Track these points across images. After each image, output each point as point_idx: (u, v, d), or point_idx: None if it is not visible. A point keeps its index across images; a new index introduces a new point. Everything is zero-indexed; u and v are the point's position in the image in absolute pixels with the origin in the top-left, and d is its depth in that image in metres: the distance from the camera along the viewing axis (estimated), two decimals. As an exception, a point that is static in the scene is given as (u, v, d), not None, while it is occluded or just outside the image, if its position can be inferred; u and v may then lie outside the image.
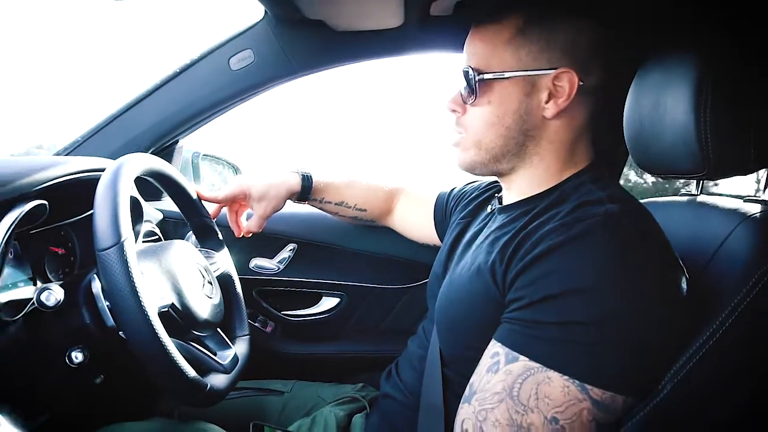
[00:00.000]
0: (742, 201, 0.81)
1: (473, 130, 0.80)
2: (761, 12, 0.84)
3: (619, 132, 0.88)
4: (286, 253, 1.40)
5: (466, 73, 0.78)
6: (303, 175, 1.17)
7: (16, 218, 0.77)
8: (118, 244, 0.71)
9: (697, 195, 0.93)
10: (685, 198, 0.92)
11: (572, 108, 0.76)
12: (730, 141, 0.74)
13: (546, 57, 0.74)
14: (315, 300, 1.42)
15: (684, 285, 0.66)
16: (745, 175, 0.81)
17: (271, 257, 1.40)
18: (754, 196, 0.82)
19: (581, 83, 0.74)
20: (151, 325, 0.70)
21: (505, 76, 0.75)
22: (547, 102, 0.76)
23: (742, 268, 0.70)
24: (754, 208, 0.76)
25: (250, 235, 1.16)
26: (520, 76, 0.75)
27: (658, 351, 0.63)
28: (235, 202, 1.15)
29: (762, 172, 0.82)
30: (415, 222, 1.25)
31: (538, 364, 0.62)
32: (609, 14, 0.82)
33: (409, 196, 1.27)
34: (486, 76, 0.76)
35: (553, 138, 0.78)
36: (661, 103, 0.78)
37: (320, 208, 1.24)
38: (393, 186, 1.29)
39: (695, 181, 0.96)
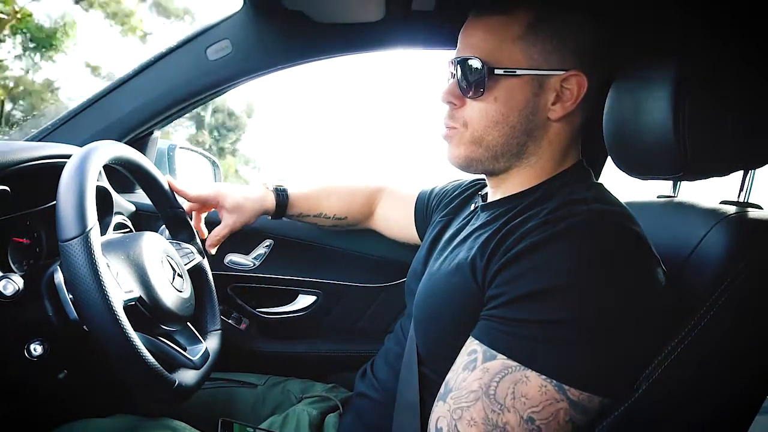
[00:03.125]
0: (718, 203, 0.82)
1: (474, 125, 0.77)
2: (740, 15, 0.84)
3: (600, 132, 0.89)
4: (261, 249, 1.37)
5: (470, 65, 0.75)
6: (278, 192, 1.15)
7: None
8: (83, 234, 0.68)
9: (674, 196, 0.93)
10: (662, 200, 0.92)
11: (575, 110, 0.76)
12: (708, 143, 0.74)
13: (557, 57, 0.74)
14: (291, 297, 1.40)
15: (663, 286, 0.66)
16: (722, 176, 0.82)
17: (247, 253, 1.37)
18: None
19: (588, 86, 0.74)
20: (117, 319, 0.68)
21: (516, 73, 0.73)
22: (553, 104, 0.75)
23: (718, 268, 0.70)
24: (730, 210, 0.77)
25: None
26: (531, 74, 0.74)
27: (636, 352, 0.63)
28: (205, 205, 1.12)
29: (739, 174, 0.82)
30: (396, 221, 1.23)
31: (515, 363, 0.61)
32: (617, 14, 0.82)
33: (390, 195, 1.26)
34: (497, 71, 0.74)
35: (553, 139, 0.77)
36: (640, 105, 0.78)
37: (298, 221, 1.24)
38: (373, 187, 1.27)
39: (672, 183, 0.97)
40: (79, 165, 0.74)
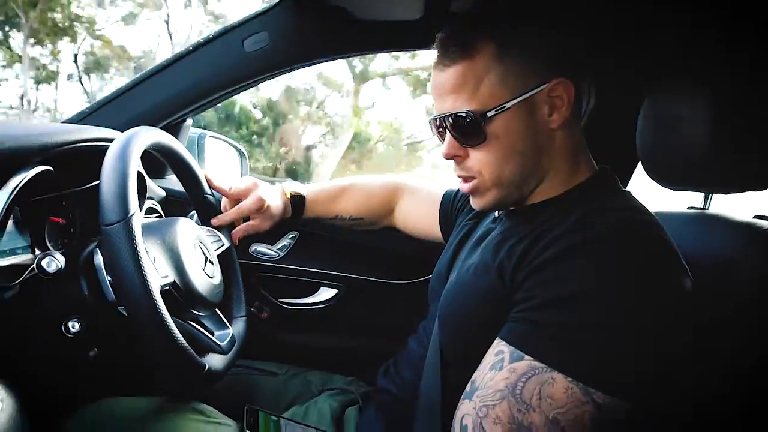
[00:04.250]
0: (751, 217, 0.81)
1: (489, 169, 0.77)
2: None
3: (630, 141, 0.88)
4: (286, 240, 1.39)
5: (460, 118, 0.74)
6: (294, 200, 1.19)
7: (20, 182, 0.76)
8: (126, 219, 0.70)
9: (706, 209, 0.93)
10: (693, 211, 0.92)
11: (572, 113, 0.76)
12: (743, 157, 0.74)
13: (534, 74, 0.73)
14: (312, 289, 1.41)
15: (692, 296, 0.66)
16: (758, 191, 0.81)
17: (272, 243, 1.38)
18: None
19: (576, 88, 0.74)
20: (155, 305, 0.69)
21: (506, 107, 0.73)
22: (550, 115, 0.75)
23: (751, 283, 0.70)
24: (765, 224, 0.76)
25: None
26: (518, 101, 0.73)
27: (662, 360, 0.63)
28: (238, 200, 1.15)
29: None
30: (419, 219, 1.24)
31: (542, 364, 0.62)
32: (574, 20, 0.81)
33: (411, 193, 1.26)
34: (489, 114, 0.73)
35: (561, 147, 0.78)
36: (676, 116, 0.77)
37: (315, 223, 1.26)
38: (391, 185, 1.28)
39: (704, 195, 0.96)
40: (122, 150, 0.76)
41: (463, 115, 0.74)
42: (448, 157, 0.79)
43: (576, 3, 0.88)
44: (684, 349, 0.64)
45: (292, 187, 1.21)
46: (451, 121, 0.75)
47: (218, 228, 1.09)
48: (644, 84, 0.86)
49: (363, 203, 1.25)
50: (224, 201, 1.13)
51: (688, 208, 0.96)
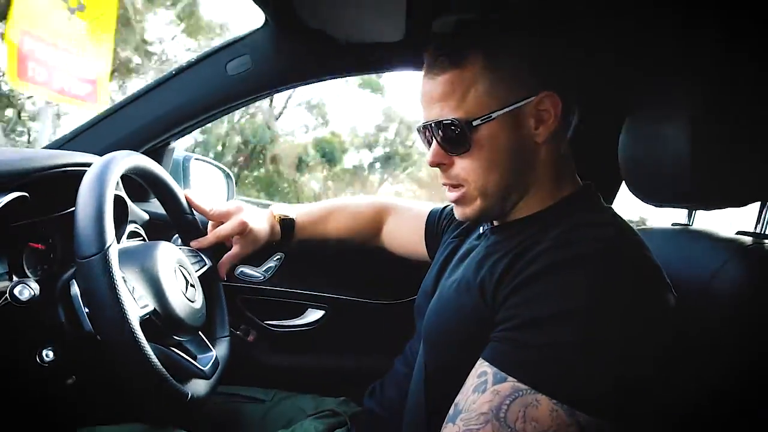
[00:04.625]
0: (733, 233, 0.82)
1: (473, 179, 0.77)
2: (758, 46, 0.85)
3: (613, 157, 0.89)
4: (272, 262, 1.38)
5: (446, 126, 0.75)
6: (283, 222, 1.19)
7: None
8: (101, 252, 0.68)
9: (689, 225, 0.93)
10: (677, 228, 0.92)
11: (558, 128, 0.76)
12: (724, 173, 0.75)
13: (521, 86, 0.74)
14: (299, 311, 1.40)
15: (675, 313, 0.65)
16: (738, 207, 0.82)
17: (258, 265, 1.37)
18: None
19: (564, 102, 0.74)
20: (134, 337, 0.68)
21: (492, 117, 0.73)
22: (536, 128, 0.75)
23: (733, 299, 0.70)
24: (747, 240, 0.76)
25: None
26: (505, 112, 0.74)
27: (646, 377, 0.62)
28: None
29: (757, 205, 0.82)
30: (405, 238, 1.23)
31: (526, 386, 0.61)
32: (571, 34, 0.82)
33: (398, 212, 1.26)
34: (475, 123, 0.73)
35: (546, 161, 0.78)
36: (657, 134, 0.78)
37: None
38: (379, 205, 1.28)
39: (687, 211, 0.96)
40: (98, 178, 0.75)
41: (449, 122, 0.74)
42: (433, 164, 0.80)
43: (562, 17, 0.89)
44: (667, 366, 0.64)
45: (281, 209, 1.21)
46: (437, 128, 0.76)
47: (200, 249, 1.08)
48: (626, 101, 0.86)
49: (351, 224, 1.25)
50: (210, 223, 1.13)
51: (672, 224, 0.97)
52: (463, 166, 0.77)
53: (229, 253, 1.13)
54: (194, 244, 1.08)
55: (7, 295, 0.75)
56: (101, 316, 0.68)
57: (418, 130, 0.81)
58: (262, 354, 1.38)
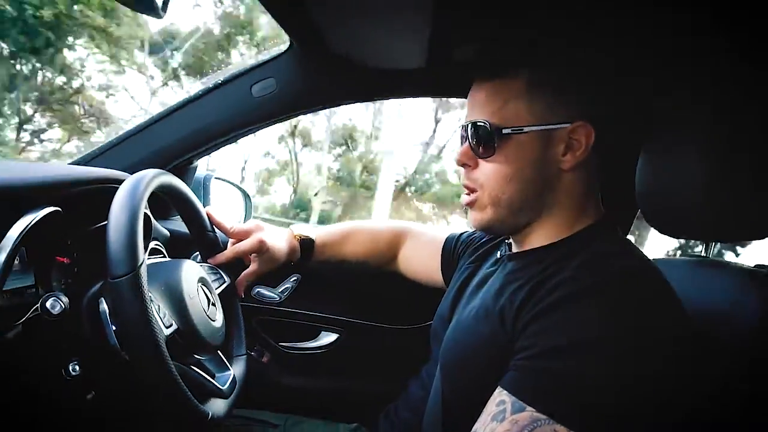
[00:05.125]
0: (751, 267, 0.82)
1: (490, 185, 0.79)
2: None
3: (630, 188, 0.89)
4: (288, 283, 1.39)
5: (480, 127, 0.78)
6: (303, 242, 1.19)
7: (30, 223, 0.77)
8: (133, 272, 0.70)
9: (706, 257, 0.93)
10: (694, 259, 0.92)
11: (587, 159, 0.77)
12: (742, 206, 0.75)
13: (561, 110, 0.76)
14: (313, 333, 1.40)
15: (694, 343, 0.65)
16: (757, 240, 0.82)
17: (274, 286, 1.38)
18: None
19: (596, 135, 0.76)
20: (161, 357, 0.69)
21: (524, 130, 0.76)
22: (564, 155, 0.76)
23: (753, 332, 0.69)
24: (764, 273, 0.76)
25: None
26: (537, 130, 0.76)
27: (665, 409, 0.62)
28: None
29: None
30: (421, 264, 1.24)
31: (545, 416, 0.61)
32: (616, 66, 0.84)
33: (414, 238, 1.27)
34: (505, 131, 0.76)
35: (568, 189, 0.78)
36: (674, 165, 0.79)
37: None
38: (397, 230, 1.28)
39: (704, 243, 0.96)
40: (131, 195, 0.76)
41: (481, 123, 0.77)
42: (459, 163, 0.83)
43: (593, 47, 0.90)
44: (686, 396, 0.63)
45: (301, 229, 1.21)
46: (471, 128, 0.79)
47: (220, 266, 1.09)
48: (642, 132, 0.87)
49: (370, 246, 1.25)
50: (230, 241, 1.13)
51: (690, 256, 0.96)
52: (485, 170, 0.79)
53: (246, 270, 1.14)
54: (212, 260, 1.09)
55: (39, 308, 0.76)
56: (131, 335, 0.69)
57: (459, 129, 0.84)
58: (275, 376, 1.37)
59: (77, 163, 1.27)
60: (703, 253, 0.94)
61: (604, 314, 0.63)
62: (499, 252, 0.93)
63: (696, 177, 0.76)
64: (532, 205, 0.79)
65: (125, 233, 0.72)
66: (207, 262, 1.09)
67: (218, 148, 1.33)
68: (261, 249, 1.11)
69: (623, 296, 0.64)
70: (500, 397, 0.66)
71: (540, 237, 0.80)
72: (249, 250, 1.11)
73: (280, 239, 1.15)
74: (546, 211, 0.79)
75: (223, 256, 1.10)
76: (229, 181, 1.70)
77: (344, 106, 1.26)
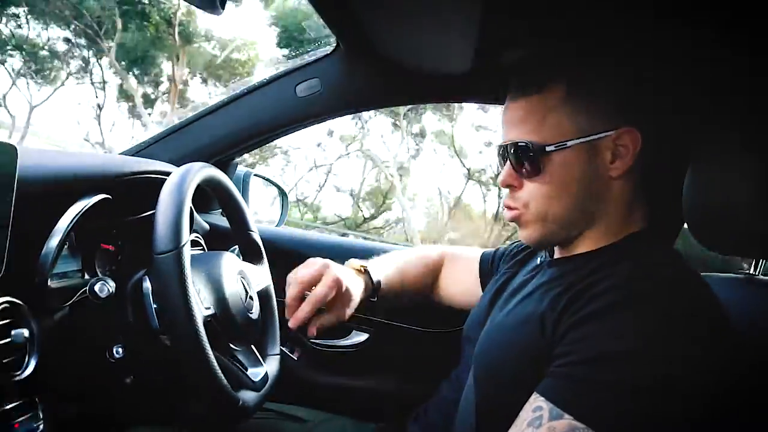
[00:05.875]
0: None
1: (535, 204, 0.77)
2: None
3: (677, 199, 0.87)
4: None
5: (520, 148, 0.76)
6: (372, 282, 1.03)
7: (83, 208, 0.80)
8: (177, 249, 0.73)
9: (756, 275, 0.90)
10: (741, 276, 0.89)
11: (635, 165, 0.76)
12: None
13: (602, 119, 0.74)
14: (345, 332, 1.41)
15: (741, 359, 0.63)
16: None
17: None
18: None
19: (644, 139, 0.74)
20: (197, 333, 0.71)
21: (567, 145, 0.74)
22: (612, 162, 0.75)
23: None
24: None
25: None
26: (581, 142, 0.74)
27: (705, 423, 0.60)
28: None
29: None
30: (461, 285, 1.19)
31: (583, 425, 0.60)
32: (650, 71, 0.81)
33: (451, 261, 1.23)
34: (548, 148, 0.74)
35: (617, 197, 0.77)
36: (724, 177, 0.76)
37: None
38: (437, 257, 1.23)
39: (753, 262, 0.93)
40: (180, 182, 0.79)
41: (524, 145, 0.75)
42: (503, 185, 0.80)
43: (637, 51, 0.89)
44: (730, 413, 0.61)
45: (357, 263, 1.04)
46: (511, 149, 0.77)
47: (258, 262, 1.10)
48: (693, 142, 0.85)
49: (422, 281, 1.18)
50: (291, 290, 0.90)
51: (737, 272, 0.93)
52: (530, 190, 0.77)
53: (324, 318, 0.92)
54: (292, 323, 0.88)
55: (87, 291, 0.79)
56: (170, 310, 0.71)
57: (498, 151, 0.82)
58: (306, 372, 1.39)
59: (126, 153, 1.31)
60: (752, 270, 0.91)
61: (646, 325, 0.62)
62: (539, 258, 0.91)
63: (747, 190, 0.73)
64: (582, 217, 0.77)
65: (172, 213, 0.75)
66: (250, 260, 1.09)
67: (260, 146, 1.36)
68: (339, 288, 0.91)
69: (670, 307, 0.63)
70: (537, 402, 0.65)
71: (585, 244, 0.79)
72: (327, 295, 0.89)
73: (353, 279, 0.98)
74: (595, 222, 0.78)
75: (301, 313, 0.87)
76: (267, 179, 1.73)
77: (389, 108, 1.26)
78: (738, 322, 0.68)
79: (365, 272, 1.02)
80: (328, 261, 0.93)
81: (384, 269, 1.08)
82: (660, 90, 0.88)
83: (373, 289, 1.02)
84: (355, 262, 1.03)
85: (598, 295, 0.67)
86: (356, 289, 0.96)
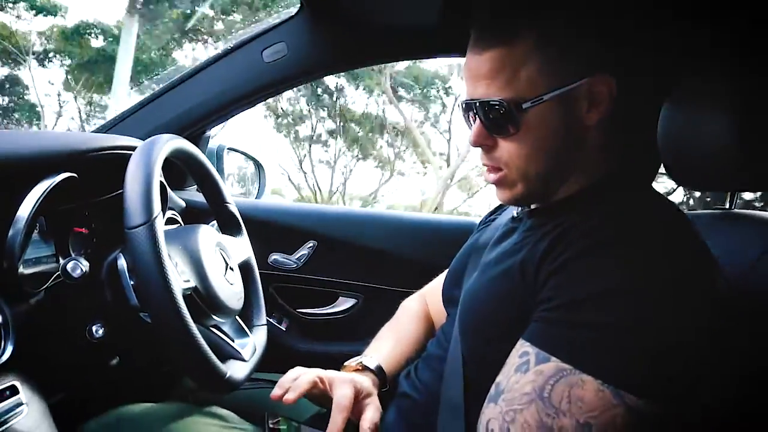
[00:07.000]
0: None
1: (516, 163, 0.74)
2: None
3: (654, 141, 0.87)
4: (305, 249, 1.39)
5: (492, 106, 0.71)
6: (378, 376, 0.95)
7: (48, 187, 0.78)
8: (149, 222, 0.71)
9: (731, 209, 0.91)
10: (718, 212, 0.90)
11: (611, 111, 0.74)
12: None
13: (576, 67, 0.71)
14: (332, 299, 1.41)
15: (724, 292, 0.64)
16: None
17: (290, 253, 1.39)
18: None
19: (618, 85, 0.72)
20: (177, 305, 0.70)
21: (543, 99, 0.70)
22: (588, 111, 0.73)
23: None
24: None
25: None
26: (556, 94, 0.70)
27: (695, 359, 0.61)
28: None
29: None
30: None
31: (570, 366, 0.60)
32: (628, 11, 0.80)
33: (432, 293, 1.17)
34: (524, 106, 0.70)
35: (594, 144, 0.76)
36: (695, 114, 0.76)
37: None
38: (418, 304, 1.19)
39: (729, 195, 0.94)
40: (146, 156, 0.77)
41: (497, 103, 0.70)
42: (475, 145, 0.76)
43: None
44: (715, 350, 0.62)
45: (363, 361, 0.97)
46: (482, 108, 0.72)
47: (237, 236, 1.09)
48: (665, 81, 0.84)
49: (421, 334, 1.11)
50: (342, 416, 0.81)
51: (713, 209, 0.94)
52: (507, 148, 0.74)
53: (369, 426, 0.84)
54: None
55: (60, 271, 0.77)
56: (147, 284, 0.70)
57: (461, 107, 0.78)
58: (295, 341, 1.39)
59: (97, 132, 1.27)
60: (727, 206, 0.92)
61: (626, 264, 0.61)
62: (514, 211, 0.91)
63: (720, 124, 0.73)
64: (563, 169, 0.75)
65: (141, 186, 0.73)
66: (230, 233, 1.07)
67: (231, 116, 1.33)
68: (358, 395, 0.87)
69: (651, 245, 0.63)
70: (523, 348, 0.65)
71: (562, 192, 0.79)
72: (350, 405, 0.83)
73: (365, 383, 0.90)
74: (574, 170, 0.77)
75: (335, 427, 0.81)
76: (243, 152, 1.70)
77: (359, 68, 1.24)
78: (717, 255, 0.68)
79: (364, 368, 0.95)
80: (339, 375, 0.88)
81: (379, 353, 1.01)
82: (633, 34, 0.87)
83: (379, 378, 0.95)
84: (349, 364, 0.97)
85: (577, 238, 0.66)
86: (372, 390, 0.90)
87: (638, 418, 0.59)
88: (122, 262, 0.80)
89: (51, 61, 11.93)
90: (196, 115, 1.25)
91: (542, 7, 0.72)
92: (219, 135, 1.43)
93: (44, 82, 13.07)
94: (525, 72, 0.70)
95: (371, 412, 0.85)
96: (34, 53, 11.51)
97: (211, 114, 1.26)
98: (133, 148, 0.92)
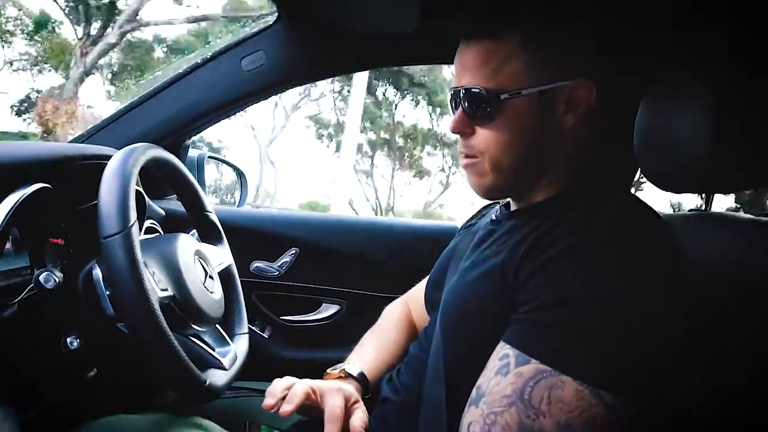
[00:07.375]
0: (754, 217, 0.81)
1: (490, 152, 0.76)
2: None
3: (629, 142, 0.88)
4: (287, 257, 1.39)
5: (473, 94, 0.74)
6: (361, 382, 0.95)
7: (20, 198, 0.77)
8: (124, 231, 0.70)
9: (706, 210, 0.92)
10: (693, 213, 0.91)
11: (589, 116, 0.75)
12: (744, 154, 0.74)
13: (558, 69, 0.73)
14: (314, 306, 1.41)
15: (697, 295, 0.65)
16: (758, 188, 0.81)
17: (272, 260, 1.38)
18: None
19: (597, 91, 0.74)
20: (153, 314, 0.69)
21: (521, 93, 0.72)
22: (565, 113, 0.75)
23: (758, 284, 0.69)
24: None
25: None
26: (536, 91, 0.73)
27: (671, 359, 0.62)
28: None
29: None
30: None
31: (549, 368, 0.60)
32: (612, 19, 0.81)
33: (414, 298, 1.18)
34: (503, 96, 0.72)
35: (570, 146, 0.77)
36: (673, 117, 0.77)
37: None
38: (400, 309, 1.19)
39: (705, 196, 0.95)
40: (121, 164, 0.76)
41: (477, 91, 0.73)
42: (454, 131, 0.78)
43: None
44: (691, 350, 0.63)
45: (346, 369, 0.97)
46: (464, 95, 0.75)
47: (217, 244, 1.08)
48: (641, 84, 0.85)
49: (404, 339, 1.11)
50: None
51: (690, 210, 0.96)
52: (483, 136, 0.76)
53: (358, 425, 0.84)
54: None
55: (33, 283, 0.76)
56: (122, 293, 0.69)
57: (449, 94, 0.80)
58: (278, 349, 1.38)
59: (74, 143, 1.26)
60: (703, 207, 0.94)
61: (607, 266, 0.62)
62: (494, 214, 0.92)
63: (695, 127, 0.74)
64: (534, 165, 0.77)
65: (116, 195, 0.72)
66: (210, 241, 1.06)
67: (210, 125, 1.32)
68: (359, 405, 0.88)
69: (626, 248, 0.63)
70: (503, 351, 0.65)
71: (539, 194, 0.79)
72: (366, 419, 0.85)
73: (349, 389, 0.90)
74: (548, 171, 0.78)
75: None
76: (224, 160, 1.70)
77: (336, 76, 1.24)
78: (692, 258, 0.69)
79: (347, 375, 0.95)
80: (322, 384, 0.87)
81: (362, 360, 1.01)
82: (615, 42, 0.88)
83: (362, 385, 0.95)
84: (332, 371, 0.97)
85: (555, 240, 0.67)
86: (357, 395, 0.90)
87: (617, 417, 0.59)
88: (98, 272, 0.79)
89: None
90: (176, 123, 1.24)
91: (525, 12, 0.74)
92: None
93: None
94: (509, 67, 0.72)
95: (360, 413, 0.86)
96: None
97: (190, 122, 1.25)
98: (109, 158, 0.91)
